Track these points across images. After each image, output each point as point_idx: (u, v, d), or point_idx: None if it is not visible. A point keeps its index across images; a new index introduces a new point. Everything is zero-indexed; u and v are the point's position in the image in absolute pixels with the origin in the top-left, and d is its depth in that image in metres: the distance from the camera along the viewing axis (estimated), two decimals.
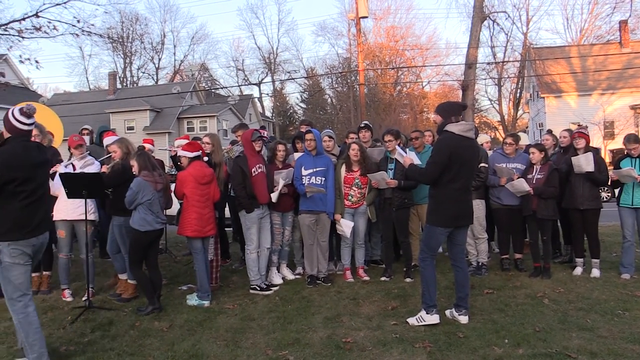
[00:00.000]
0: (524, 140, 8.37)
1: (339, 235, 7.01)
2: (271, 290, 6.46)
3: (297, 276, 7.18)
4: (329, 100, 56.27)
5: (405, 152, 5.75)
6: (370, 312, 5.53)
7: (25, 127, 4.16)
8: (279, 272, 7.06)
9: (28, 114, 4.14)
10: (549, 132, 8.44)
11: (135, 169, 5.79)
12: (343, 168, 6.89)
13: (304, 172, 6.68)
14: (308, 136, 6.79)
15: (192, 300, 6.02)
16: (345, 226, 6.72)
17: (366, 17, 23.66)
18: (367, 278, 6.89)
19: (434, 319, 4.99)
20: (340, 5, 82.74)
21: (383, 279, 6.82)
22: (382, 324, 5.10)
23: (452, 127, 4.91)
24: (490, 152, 7.62)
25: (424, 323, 4.99)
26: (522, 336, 4.66)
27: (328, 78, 54.13)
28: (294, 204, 6.98)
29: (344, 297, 6.11)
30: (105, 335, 5.02)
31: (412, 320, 5.07)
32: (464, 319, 5.06)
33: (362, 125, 7.82)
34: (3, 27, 12.91)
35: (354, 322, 5.19)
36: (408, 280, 6.71)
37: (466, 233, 5.33)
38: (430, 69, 47.52)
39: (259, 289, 6.41)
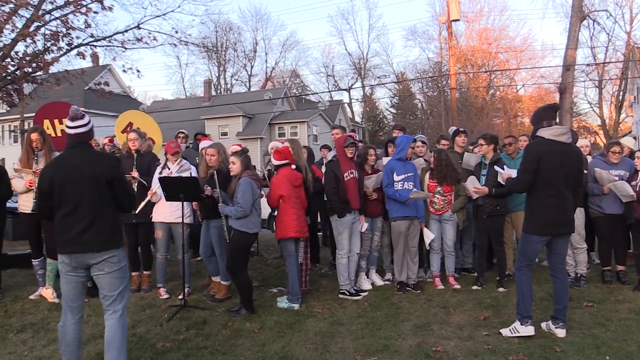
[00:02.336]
0: (629, 144, 7.89)
1: None
2: (360, 295, 6.46)
3: (386, 282, 7.14)
4: (419, 105, 55.65)
5: (503, 169, 5.63)
6: (461, 321, 5.41)
7: (71, 132, 3.89)
8: (367, 277, 7.06)
9: (73, 116, 3.88)
10: None
11: (236, 168, 5.88)
12: (427, 175, 6.84)
13: (397, 178, 6.60)
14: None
15: (283, 302, 6.11)
16: (427, 237, 6.71)
17: (458, 19, 23.13)
18: (457, 286, 6.75)
19: (528, 330, 4.81)
20: (431, 9, 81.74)
21: (475, 287, 6.66)
22: (473, 334, 4.98)
23: (543, 132, 4.81)
24: (589, 158, 7.25)
25: (517, 334, 4.82)
26: (625, 353, 4.39)
27: (418, 82, 53.47)
28: (383, 209, 6.94)
29: (434, 305, 6.02)
30: (200, 334, 5.18)
31: (505, 331, 4.91)
32: (561, 333, 4.84)
33: (461, 129, 7.75)
34: (108, 39, 13.77)
35: (444, 331, 5.10)
36: (501, 289, 6.51)
37: (567, 242, 5.08)
38: (525, 71, 45.64)
39: (348, 293, 6.42)
